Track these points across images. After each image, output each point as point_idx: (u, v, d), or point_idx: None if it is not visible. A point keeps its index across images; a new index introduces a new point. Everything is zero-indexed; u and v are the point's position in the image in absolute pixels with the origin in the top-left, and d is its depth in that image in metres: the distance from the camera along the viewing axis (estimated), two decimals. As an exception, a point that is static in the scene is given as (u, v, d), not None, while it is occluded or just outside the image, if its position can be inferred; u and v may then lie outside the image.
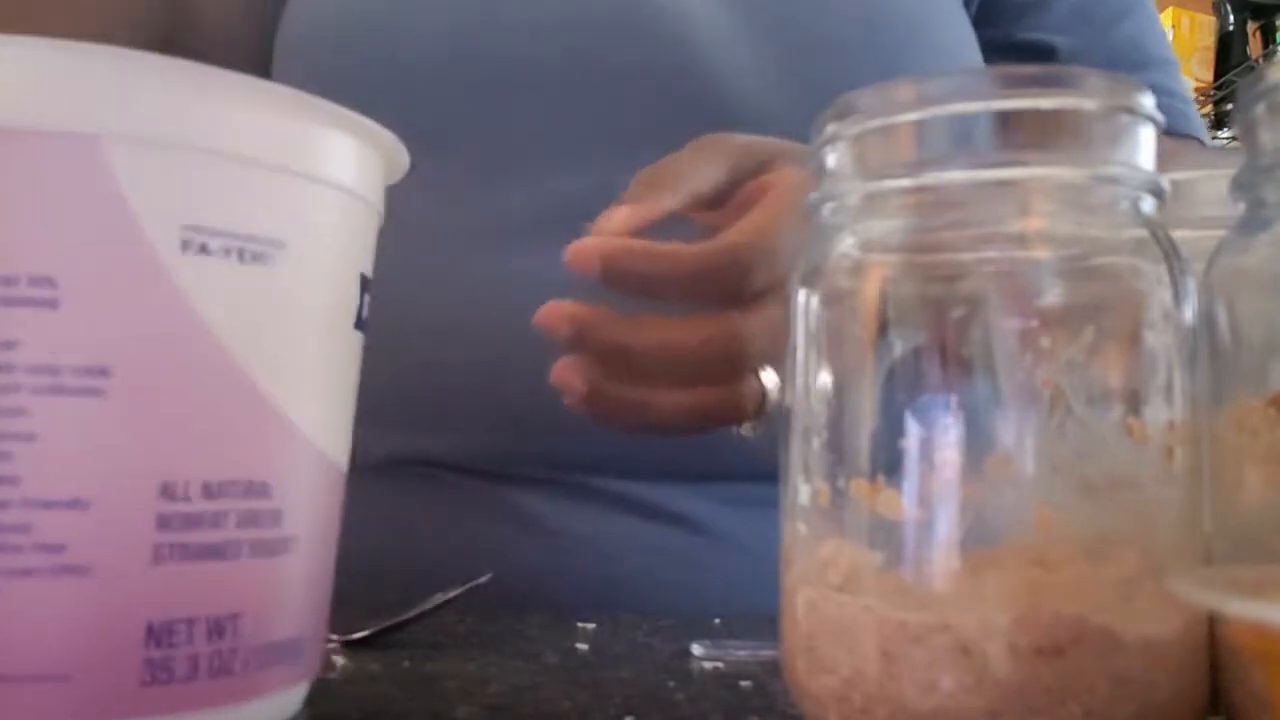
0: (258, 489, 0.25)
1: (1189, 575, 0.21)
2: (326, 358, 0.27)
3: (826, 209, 0.26)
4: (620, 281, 0.38)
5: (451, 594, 0.41)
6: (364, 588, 0.42)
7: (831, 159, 0.26)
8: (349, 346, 0.29)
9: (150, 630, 0.23)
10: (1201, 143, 0.67)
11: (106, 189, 0.23)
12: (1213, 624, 0.24)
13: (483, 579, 0.41)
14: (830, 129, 0.26)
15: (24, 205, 0.22)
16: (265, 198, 0.25)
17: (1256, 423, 0.24)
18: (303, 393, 0.26)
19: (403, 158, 0.29)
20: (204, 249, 0.24)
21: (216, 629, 0.24)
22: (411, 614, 0.40)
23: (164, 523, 0.23)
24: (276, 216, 0.25)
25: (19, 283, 0.22)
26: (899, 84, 0.25)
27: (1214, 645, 0.24)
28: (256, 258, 0.25)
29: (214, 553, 0.24)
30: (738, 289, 0.38)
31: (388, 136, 0.28)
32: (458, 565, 0.44)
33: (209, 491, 0.24)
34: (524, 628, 0.43)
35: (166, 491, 0.23)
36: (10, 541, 0.22)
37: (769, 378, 0.39)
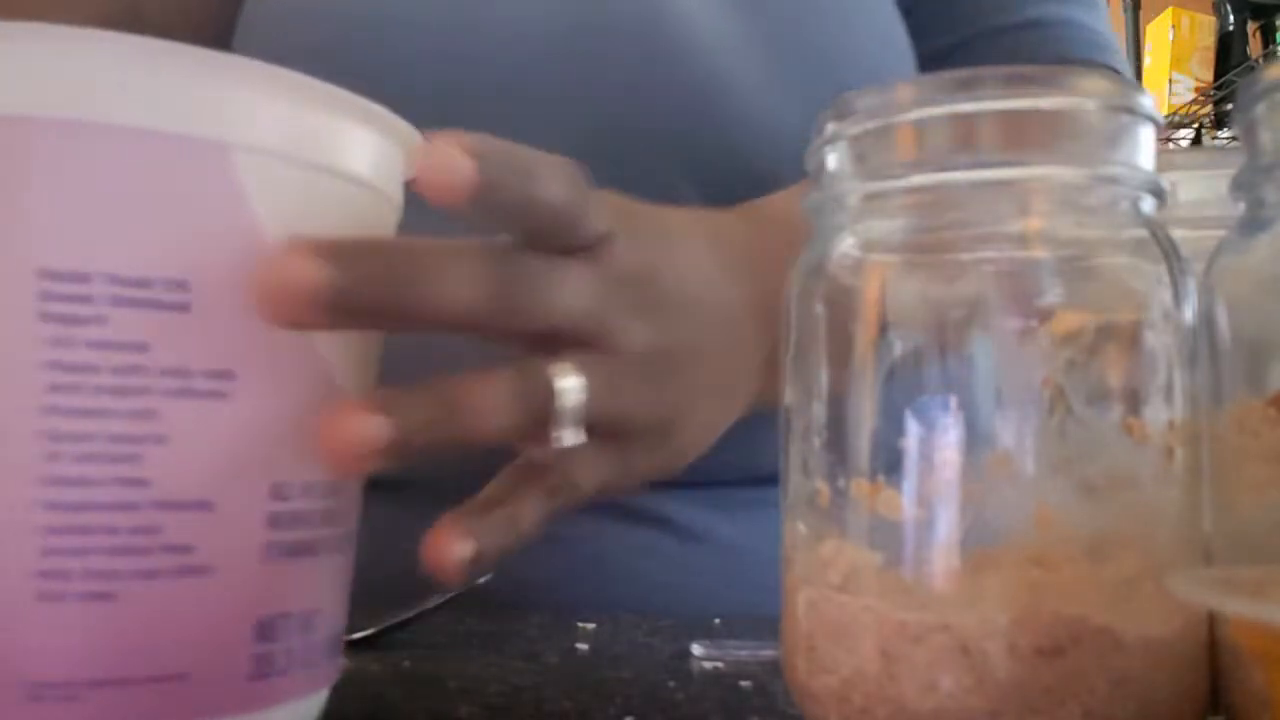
0: (335, 488, 0.26)
1: (1189, 575, 0.21)
2: (371, 358, 0.28)
3: (826, 209, 0.26)
4: (497, 190, 0.28)
5: (451, 594, 0.41)
6: (358, 597, 0.42)
7: (831, 159, 0.26)
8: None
9: (258, 626, 0.24)
10: (1118, 72, 0.64)
11: (235, 197, 0.23)
12: (1213, 624, 0.24)
13: (482, 579, 0.41)
14: (830, 129, 0.26)
15: (160, 208, 0.22)
16: (351, 209, 0.26)
17: (1256, 423, 0.24)
18: (358, 392, 0.27)
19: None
20: None
21: (305, 623, 0.25)
22: (411, 614, 0.40)
23: (273, 522, 0.24)
24: (359, 229, 0.26)
25: (153, 285, 0.22)
26: (899, 84, 0.25)
27: (1214, 645, 0.24)
28: None
29: (306, 550, 0.25)
30: (581, 214, 0.31)
31: (414, 134, 0.28)
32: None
33: (306, 491, 0.25)
34: (524, 628, 0.43)
35: (275, 492, 0.24)
36: (139, 544, 0.22)
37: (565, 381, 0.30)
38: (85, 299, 0.22)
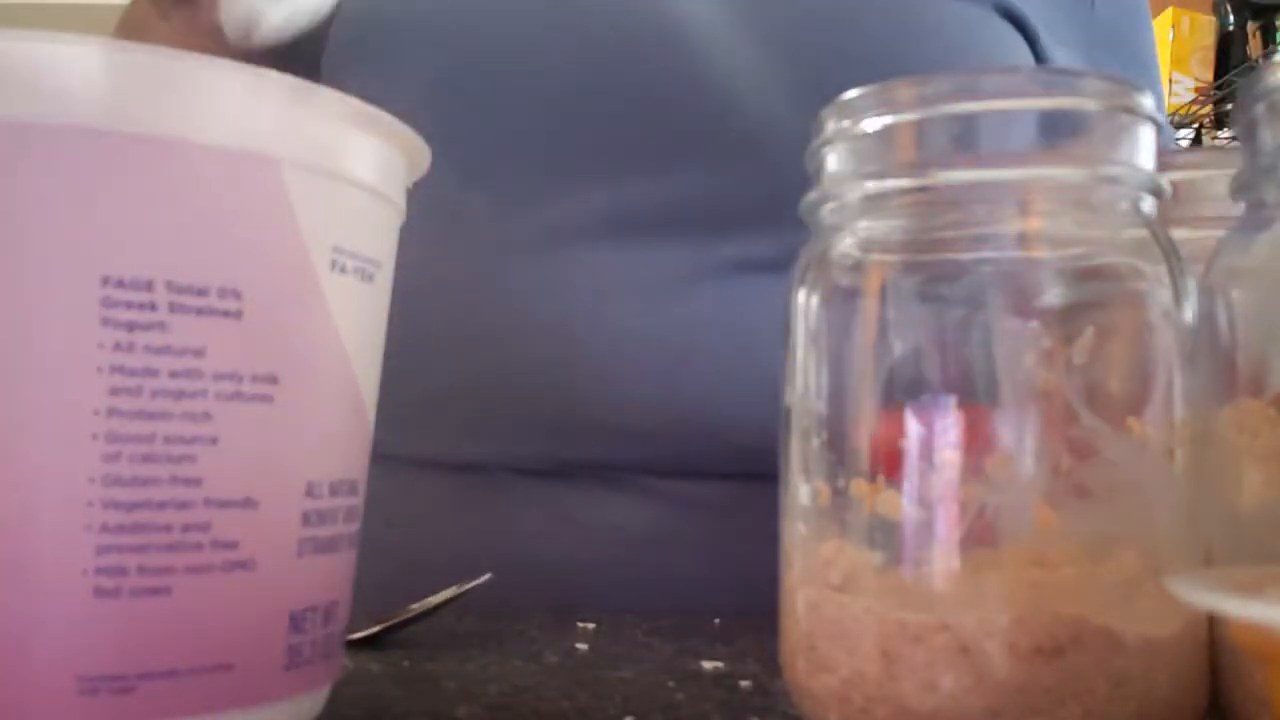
0: (354, 487, 0.27)
1: (1189, 575, 0.21)
2: (380, 358, 0.29)
3: (826, 209, 0.26)
4: None
5: (451, 594, 0.41)
6: (401, 580, 0.42)
7: (831, 159, 0.26)
8: None
9: (291, 618, 0.25)
10: None
11: (283, 210, 0.24)
12: (1213, 624, 0.24)
13: (482, 579, 0.42)
14: (830, 129, 0.26)
15: (218, 220, 0.24)
16: (374, 220, 0.27)
17: (1256, 423, 0.24)
18: (373, 396, 0.29)
19: (424, 162, 0.30)
20: (344, 269, 0.26)
21: (326, 615, 0.26)
22: (411, 614, 0.40)
23: (306, 519, 0.25)
24: (379, 238, 0.28)
25: (210, 293, 0.23)
26: (899, 84, 0.25)
27: (1214, 645, 0.24)
28: (367, 277, 0.27)
29: (331, 546, 0.26)
30: None
31: (416, 139, 0.29)
32: (504, 559, 0.44)
33: (333, 490, 0.26)
34: (524, 628, 0.43)
35: (309, 490, 0.25)
36: (192, 540, 0.23)
37: None
38: (147, 305, 0.22)
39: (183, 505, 0.23)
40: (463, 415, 0.54)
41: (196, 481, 0.23)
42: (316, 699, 0.27)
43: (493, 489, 0.54)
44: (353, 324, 0.26)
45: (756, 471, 0.53)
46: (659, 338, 0.51)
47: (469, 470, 0.55)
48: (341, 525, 0.27)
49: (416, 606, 0.41)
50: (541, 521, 0.53)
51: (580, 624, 0.43)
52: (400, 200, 0.29)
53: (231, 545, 0.23)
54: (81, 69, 0.22)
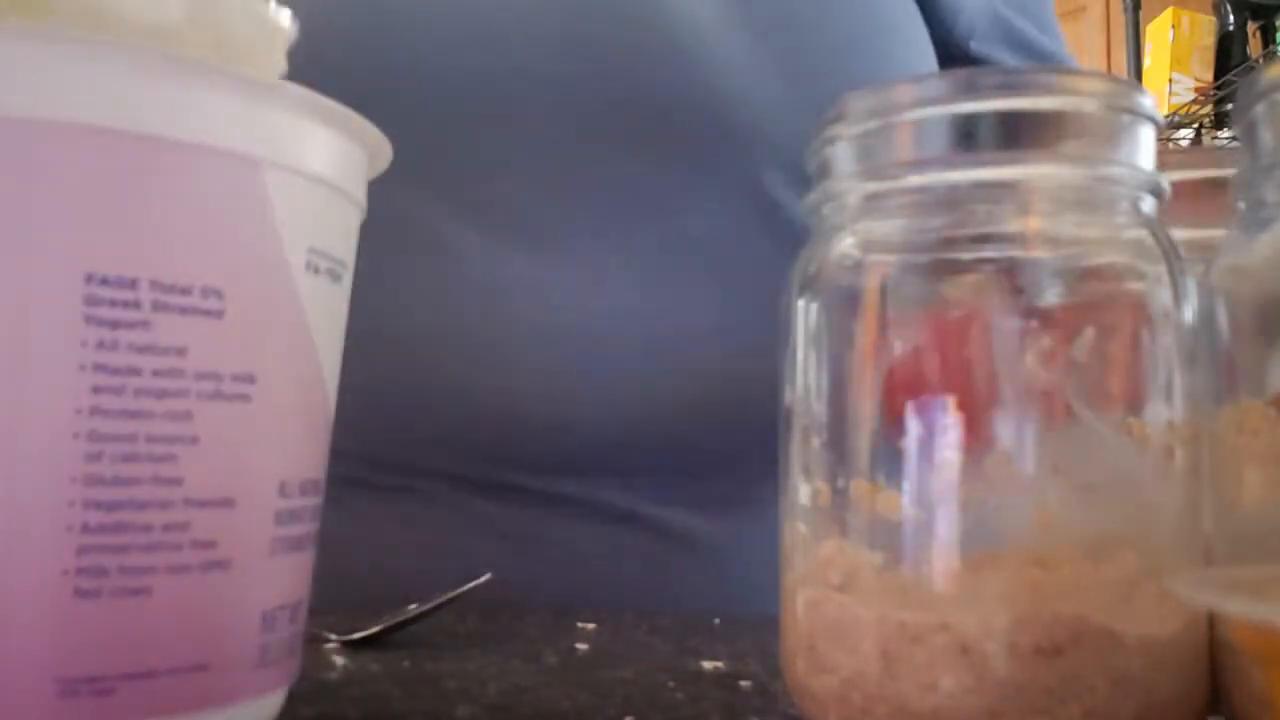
0: (318, 486, 0.27)
1: (1189, 575, 0.21)
2: (339, 363, 0.29)
3: (826, 209, 0.26)
4: None
5: (451, 594, 0.41)
6: (351, 597, 0.42)
7: (831, 159, 0.26)
8: None
9: (263, 617, 0.25)
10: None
11: (263, 210, 0.24)
12: (1213, 624, 0.24)
13: (482, 579, 0.42)
14: (830, 129, 0.26)
15: (201, 219, 0.24)
16: (342, 221, 0.27)
17: (1256, 423, 0.24)
18: (334, 396, 0.29)
19: (386, 158, 0.30)
20: (317, 270, 0.26)
21: (293, 614, 0.26)
22: (411, 614, 0.40)
23: (279, 519, 0.25)
24: (346, 239, 0.28)
25: (193, 293, 0.23)
26: (899, 84, 0.25)
27: (1214, 645, 0.24)
28: (336, 278, 0.27)
29: (299, 545, 0.26)
30: None
31: (378, 134, 0.29)
32: (435, 575, 0.44)
33: (303, 489, 0.26)
34: (524, 628, 0.43)
35: (282, 490, 0.25)
36: (171, 540, 0.23)
37: None
38: (131, 304, 0.22)
39: (164, 505, 0.23)
40: (394, 422, 0.53)
41: (177, 481, 0.23)
42: (279, 697, 0.27)
43: (432, 509, 0.54)
44: (323, 325, 0.26)
45: (707, 474, 0.53)
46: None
47: (402, 490, 0.54)
48: (309, 524, 0.27)
49: (416, 606, 0.41)
50: (483, 542, 0.53)
51: (580, 624, 0.43)
52: (358, 193, 0.29)
53: (210, 545, 0.23)
54: (68, 65, 0.22)
